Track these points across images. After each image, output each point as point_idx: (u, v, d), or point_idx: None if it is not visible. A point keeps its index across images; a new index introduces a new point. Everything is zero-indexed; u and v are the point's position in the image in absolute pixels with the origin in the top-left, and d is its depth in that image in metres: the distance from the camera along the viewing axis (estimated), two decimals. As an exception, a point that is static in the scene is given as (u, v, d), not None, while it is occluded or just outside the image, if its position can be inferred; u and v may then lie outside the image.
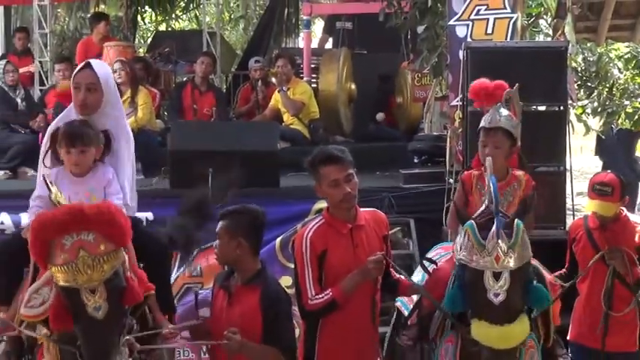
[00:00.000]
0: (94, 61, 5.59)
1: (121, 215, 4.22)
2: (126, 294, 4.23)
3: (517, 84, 6.08)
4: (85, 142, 4.99)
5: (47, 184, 4.42)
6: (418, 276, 5.64)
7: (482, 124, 5.57)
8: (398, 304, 5.82)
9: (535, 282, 4.51)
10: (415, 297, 5.46)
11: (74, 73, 5.38)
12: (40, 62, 13.60)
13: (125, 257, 4.27)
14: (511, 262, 4.25)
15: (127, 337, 4.35)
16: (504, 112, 5.53)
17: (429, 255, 5.94)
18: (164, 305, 5.16)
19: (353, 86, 12.19)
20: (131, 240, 4.77)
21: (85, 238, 4.02)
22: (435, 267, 5.53)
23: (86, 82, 5.21)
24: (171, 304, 5.32)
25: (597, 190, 5.84)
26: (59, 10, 17.73)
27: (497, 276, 4.22)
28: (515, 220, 4.34)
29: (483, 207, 4.55)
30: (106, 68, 5.45)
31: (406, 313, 5.61)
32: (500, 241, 4.24)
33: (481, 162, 5.42)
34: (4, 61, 11.82)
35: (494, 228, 4.26)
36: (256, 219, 5.05)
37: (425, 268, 5.56)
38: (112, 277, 4.08)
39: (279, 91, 11.12)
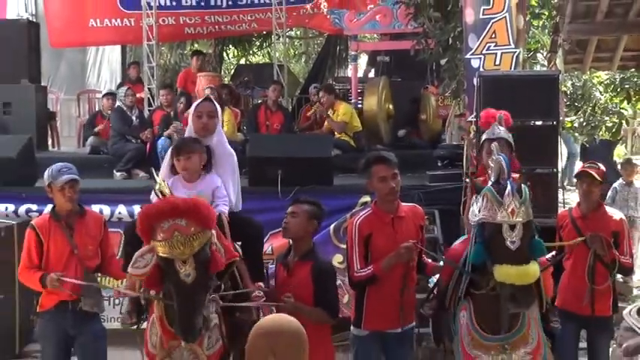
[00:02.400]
0: (210, 97, 5.95)
1: (204, 207, 4.45)
2: (211, 264, 4.44)
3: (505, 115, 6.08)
4: (189, 150, 5.19)
5: (155, 177, 4.62)
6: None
7: (485, 136, 5.58)
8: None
9: (536, 236, 4.60)
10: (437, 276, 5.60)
11: (197, 103, 5.64)
12: (149, 89, 13.67)
13: (212, 233, 4.50)
14: (523, 216, 4.34)
15: (213, 295, 4.60)
16: (502, 127, 5.54)
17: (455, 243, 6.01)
18: (256, 275, 5.33)
19: (390, 106, 12.33)
20: (230, 224, 5.14)
21: (179, 223, 4.23)
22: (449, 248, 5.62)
23: (207, 110, 5.41)
24: (261, 274, 5.46)
25: (588, 165, 6.05)
26: (163, 48, 17.90)
27: (512, 227, 4.32)
28: (522, 185, 4.49)
29: (492, 180, 4.57)
30: (216, 103, 5.68)
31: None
32: (514, 198, 4.33)
33: (485, 169, 5.42)
34: (125, 88, 12.05)
35: (508, 189, 4.37)
36: (324, 211, 5.18)
37: (440, 256, 5.68)
38: (200, 251, 4.30)
39: (325, 117, 10.98)
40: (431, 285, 5.72)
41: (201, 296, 4.37)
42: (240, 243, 5.34)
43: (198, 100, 5.73)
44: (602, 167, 6.06)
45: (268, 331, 2.79)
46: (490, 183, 4.54)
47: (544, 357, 4.78)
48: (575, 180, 6.21)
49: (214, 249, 4.52)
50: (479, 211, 4.50)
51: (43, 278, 5.31)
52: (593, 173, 5.84)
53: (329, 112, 11.28)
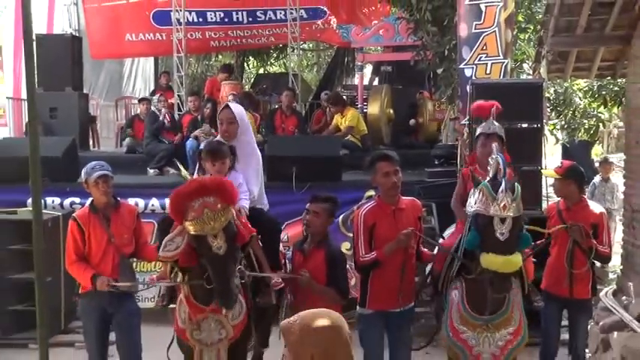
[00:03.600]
0: (231, 104, 5.95)
1: (229, 184, 4.50)
2: (237, 236, 4.49)
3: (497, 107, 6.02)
4: (222, 156, 5.22)
5: (178, 167, 4.72)
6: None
7: (480, 131, 5.53)
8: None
9: (524, 231, 4.63)
10: (430, 265, 5.65)
11: (219, 111, 5.70)
12: (178, 95, 13.71)
13: (232, 211, 4.52)
14: (513, 211, 4.36)
15: (239, 267, 4.63)
16: (496, 123, 5.49)
17: (446, 233, 6.13)
18: (273, 263, 5.33)
19: (391, 111, 12.37)
20: (250, 218, 5.14)
21: (208, 200, 4.27)
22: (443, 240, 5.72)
23: (226, 118, 5.51)
24: (279, 265, 5.44)
25: (556, 166, 6.01)
26: (191, 59, 17.93)
27: (503, 221, 4.34)
28: (515, 183, 4.47)
29: (490, 176, 4.58)
30: (240, 108, 5.76)
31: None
32: (507, 195, 4.34)
33: (477, 160, 5.40)
34: (157, 95, 12.19)
35: (502, 186, 4.38)
36: (339, 205, 5.22)
37: (437, 243, 5.73)
38: (228, 225, 4.34)
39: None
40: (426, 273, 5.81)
41: (233, 266, 4.42)
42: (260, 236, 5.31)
43: (220, 108, 5.77)
44: (570, 164, 5.97)
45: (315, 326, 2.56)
46: (488, 179, 4.55)
47: (523, 337, 4.79)
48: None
49: (237, 223, 4.56)
50: (474, 203, 4.50)
51: (94, 278, 5.33)
52: (553, 173, 5.82)
53: (338, 117, 11.36)
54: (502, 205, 4.33)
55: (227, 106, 5.73)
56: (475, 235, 4.51)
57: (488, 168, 4.74)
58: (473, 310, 4.74)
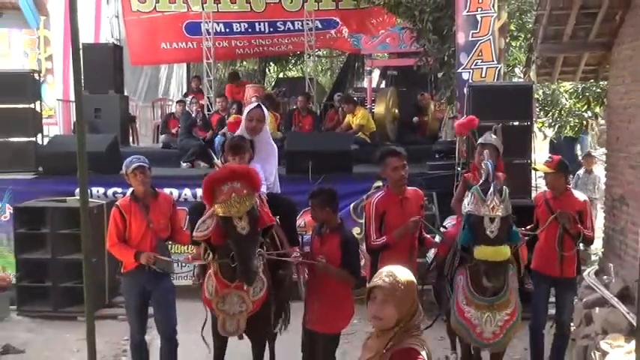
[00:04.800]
0: (261, 104, 5.92)
1: (254, 172, 4.53)
2: (259, 220, 4.51)
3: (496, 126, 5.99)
4: (243, 151, 5.21)
5: (212, 157, 4.77)
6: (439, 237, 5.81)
7: (479, 141, 5.52)
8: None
9: (513, 227, 4.74)
10: (433, 250, 5.69)
11: (250, 108, 5.65)
12: (208, 97, 13.71)
13: (256, 198, 4.55)
14: (502, 211, 4.44)
15: (259, 250, 4.62)
16: (493, 136, 5.49)
17: (446, 222, 6.14)
18: (292, 241, 5.35)
19: (396, 111, 12.31)
20: (270, 202, 5.15)
21: (235, 186, 4.31)
22: (445, 230, 5.75)
23: (257, 116, 5.52)
24: (296, 240, 5.50)
25: (545, 160, 5.92)
26: (219, 65, 17.92)
27: (492, 220, 4.43)
28: (503, 186, 4.57)
29: (482, 181, 4.67)
30: (265, 110, 5.70)
31: (429, 261, 5.87)
32: (495, 197, 4.42)
33: (477, 166, 5.39)
34: (190, 97, 12.56)
35: (491, 189, 4.48)
36: (333, 194, 5.03)
37: (439, 232, 5.76)
38: (251, 209, 4.36)
39: None
40: (429, 259, 5.85)
41: (254, 246, 4.43)
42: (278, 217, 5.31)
43: (251, 106, 5.71)
44: (555, 158, 5.91)
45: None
46: (480, 182, 4.63)
47: (517, 318, 4.82)
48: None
49: (259, 210, 4.57)
50: (467, 205, 4.60)
51: (137, 255, 5.36)
52: (545, 167, 5.76)
53: (349, 116, 11.34)
54: (491, 206, 4.41)
55: (259, 105, 5.71)
56: (468, 233, 4.61)
57: (481, 172, 4.80)
58: (477, 291, 4.75)
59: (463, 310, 4.81)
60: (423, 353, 2.68)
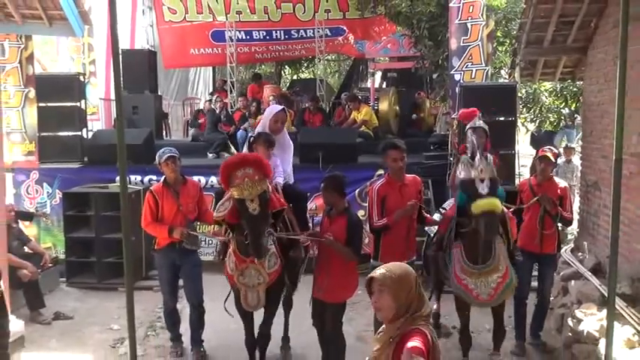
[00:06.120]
0: (285, 108, 5.98)
1: (264, 161, 4.51)
2: (270, 203, 4.51)
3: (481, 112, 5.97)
4: (273, 145, 5.32)
5: (234, 146, 4.79)
6: (437, 215, 5.85)
7: (469, 125, 5.45)
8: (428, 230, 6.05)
9: (499, 187, 4.74)
10: (434, 228, 5.66)
11: (277, 111, 5.68)
12: (231, 96, 13.77)
13: (268, 186, 4.54)
14: (489, 173, 4.55)
15: (269, 229, 4.63)
16: (481, 120, 5.43)
17: (445, 204, 6.09)
18: (302, 225, 5.35)
19: (397, 108, 12.18)
20: (283, 190, 5.15)
21: (248, 171, 4.30)
22: (445, 211, 5.70)
23: (282, 118, 5.62)
24: (306, 225, 5.54)
25: (548, 148, 5.94)
26: (240, 68, 17.86)
27: (482, 180, 4.53)
28: (488, 154, 4.66)
29: (469, 154, 4.74)
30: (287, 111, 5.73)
31: (431, 235, 5.84)
32: (482, 162, 4.56)
33: (465, 149, 5.36)
34: (216, 96, 12.49)
35: (478, 156, 4.59)
36: (341, 181, 4.98)
37: (440, 212, 5.81)
38: (262, 193, 4.35)
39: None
40: (431, 232, 5.87)
41: (264, 226, 4.43)
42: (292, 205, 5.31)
43: (277, 109, 5.74)
44: (556, 151, 6.07)
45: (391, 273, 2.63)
46: (468, 155, 4.72)
47: (511, 279, 4.90)
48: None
49: (271, 195, 4.57)
50: (460, 174, 4.72)
51: (171, 230, 5.42)
52: (550, 156, 5.75)
53: (355, 112, 11.31)
54: (479, 169, 4.51)
55: (284, 109, 5.77)
56: (462, 195, 4.71)
57: (468, 146, 4.87)
58: (470, 261, 4.83)
59: (460, 277, 4.90)
60: (427, 333, 2.53)
